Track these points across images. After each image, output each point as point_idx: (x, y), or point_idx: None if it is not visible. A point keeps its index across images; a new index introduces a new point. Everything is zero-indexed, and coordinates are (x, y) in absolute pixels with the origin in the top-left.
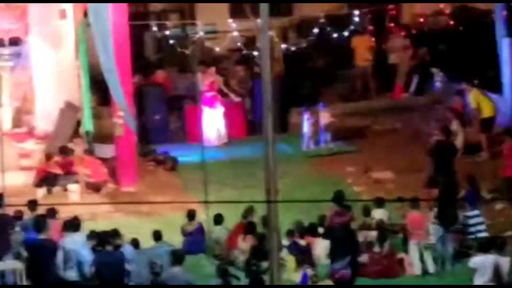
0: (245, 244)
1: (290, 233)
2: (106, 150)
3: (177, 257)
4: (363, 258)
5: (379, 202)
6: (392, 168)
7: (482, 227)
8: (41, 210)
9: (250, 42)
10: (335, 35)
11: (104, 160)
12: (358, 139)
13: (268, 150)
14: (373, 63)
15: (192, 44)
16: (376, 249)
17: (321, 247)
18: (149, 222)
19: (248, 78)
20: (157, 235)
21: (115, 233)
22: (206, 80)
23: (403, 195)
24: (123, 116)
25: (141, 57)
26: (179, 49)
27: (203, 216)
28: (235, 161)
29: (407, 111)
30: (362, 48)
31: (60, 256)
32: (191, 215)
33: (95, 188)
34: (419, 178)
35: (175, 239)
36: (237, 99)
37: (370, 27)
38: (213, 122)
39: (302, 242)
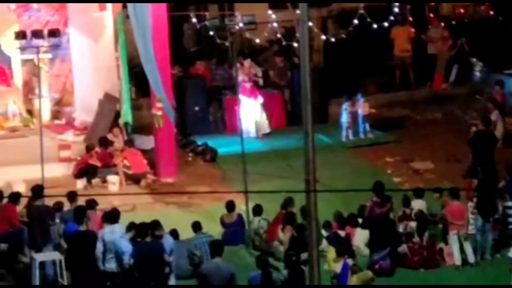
0: (284, 235)
1: (329, 224)
2: (146, 142)
3: (216, 248)
4: (403, 248)
5: (419, 193)
6: (432, 158)
7: None
8: (80, 202)
9: (289, 33)
10: (374, 26)
11: (143, 151)
12: (397, 129)
13: (307, 140)
14: (412, 53)
15: (231, 35)
16: (416, 239)
17: (360, 237)
18: (188, 213)
19: (287, 69)
20: (196, 226)
21: (155, 224)
22: (244, 71)
23: (442, 186)
24: (162, 107)
25: (180, 49)
26: (218, 40)
27: (243, 207)
28: (275, 152)
29: (447, 102)
30: (402, 39)
31: (99, 247)
32: (230, 206)
33: (134, 179)
34: (459, 169)
35: (214, 230)
36: (275, 90)
37: (410, 18)
38: (252, 113)
39: (342, 233)
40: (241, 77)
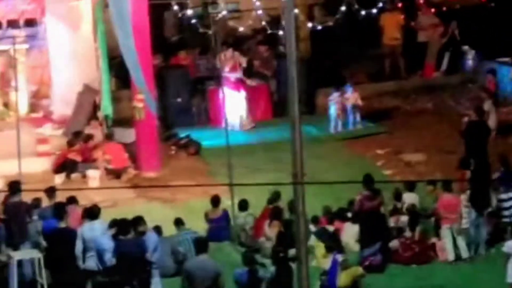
0: (271, 230)
1: (318, 219)
2: (127, 135)
3: (201, 244)
4: (394, 244)
5: (410, 185)
6: (423, 150)
7: None
8: (59, 198)
9: (274, 21)
10: (363, 12)
11: (124, 145)
12: (387, 120)
13: (294, 132)
14: (402, 41)
15: (214, 23)
16: (407, 234)
17: (350, 232)
18: (172, 208)
19: (272, 58)
20: (179, 222)
21: (137, 220)
22: (227, 61)
23: (434, 178)
24: (143, 99)
25: (161, 38)
26: (201, 29)
27: (228, 202)
28: (261, 145)
29: (438, 91)
30: (391, 26)
31: (79, 245)
32: (215, 201)
33: (115, 174)
34: (451, 160)
35: (199, 226)
36: (259, 81)
37: (399, 5)
38: (236, 106)
39: (331, 228)
40: (226, 68)
